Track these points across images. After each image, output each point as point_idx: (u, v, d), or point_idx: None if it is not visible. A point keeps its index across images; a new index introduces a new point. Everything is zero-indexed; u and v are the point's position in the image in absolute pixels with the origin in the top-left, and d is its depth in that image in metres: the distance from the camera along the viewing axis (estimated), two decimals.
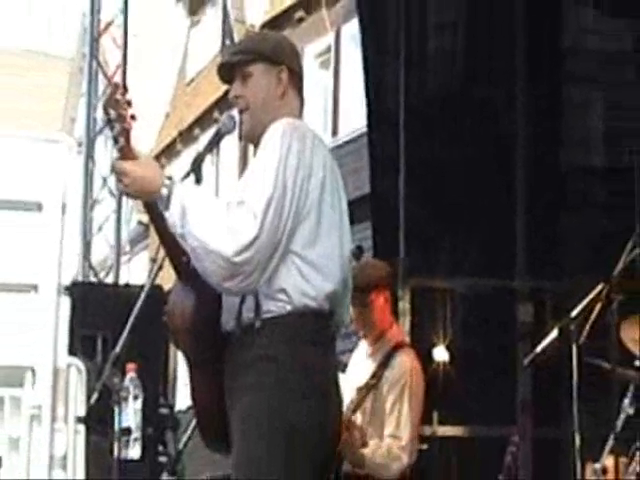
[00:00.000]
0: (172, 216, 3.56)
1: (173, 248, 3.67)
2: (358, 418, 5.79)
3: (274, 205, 3.54)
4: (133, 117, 3.69)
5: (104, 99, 3.74)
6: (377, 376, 5.80)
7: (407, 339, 6.56)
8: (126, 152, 3.65)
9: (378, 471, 5.71)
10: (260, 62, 3.87)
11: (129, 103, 3.69)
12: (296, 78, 3.94)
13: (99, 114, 9.59)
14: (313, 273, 3.61)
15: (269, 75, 3.87)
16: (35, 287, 5.67)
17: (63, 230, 5.78)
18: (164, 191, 3.59)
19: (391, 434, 5.75)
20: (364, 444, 5.70)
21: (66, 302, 5.48)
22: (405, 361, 5.89)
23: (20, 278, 5.72)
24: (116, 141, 3.68)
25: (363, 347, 6.12)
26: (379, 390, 5.77)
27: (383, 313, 6.01)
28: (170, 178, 3.65)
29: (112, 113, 3.65)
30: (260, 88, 3.87)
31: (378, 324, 5.98)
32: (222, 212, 3.54)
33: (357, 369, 6.02)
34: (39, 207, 5.84)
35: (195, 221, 3.51)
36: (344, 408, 5.67)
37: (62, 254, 5.80)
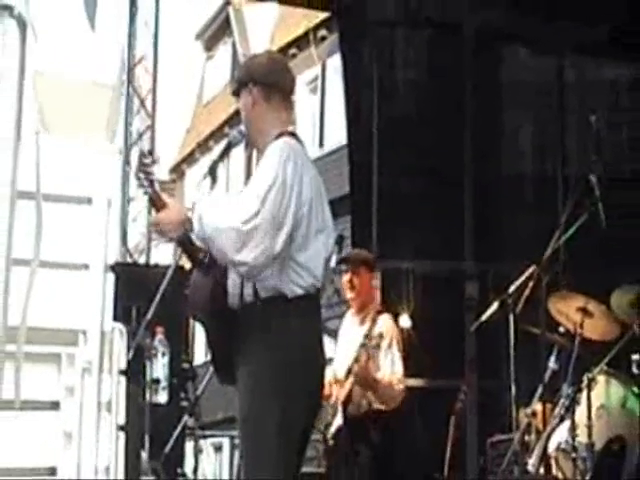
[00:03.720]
0: (195, 226, 3.53)
1: (192, 255, 3.67)
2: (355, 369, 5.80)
3: (274, 189, 3.50)
4: (154, 162, 3.67)
5: (135, 168, 3.70)
6: (368, 335, 5.81)
7: None
8: (156, 201, 3.64)
9: (386, 393, 5.73)
10: (241, 87, 3.84)
11: (153, 161, 3.68)
12: (272, 89, 3.80)
13: (134, 128, 9.54)
14: (303, 272, 3.58)
15: (245, 95, 3.81)
16: (86, 266, 5.67)
17: (108, 221, 5.78)
18: (192, 225, 3.56)
19: (390, 372, 5.78)
20: (375, 388, 5.75)
21: (111, 278, 5.45)
22: (388, 321, 5.92)
23: (74, 259, 5.72)
24: (146, 193, 3.66)
25: (350, 317, 6.12)
26: (371, 346, 5.77)
27: (369, 286, 6.02)
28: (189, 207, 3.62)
29: (141, 176, 3.64)
30: (243, 107, 3.83)
31: (364, 292, 5.99)
32: (229, 203, 3.54)
33: (349, 332, 6.04)
34: (89, 201, 5.84)
35: (209, 218, 3.49)
36: (347, 362, 5.73)
37: (107, 240, 5.79)
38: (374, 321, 5.83)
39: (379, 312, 5.95)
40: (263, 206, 3.46)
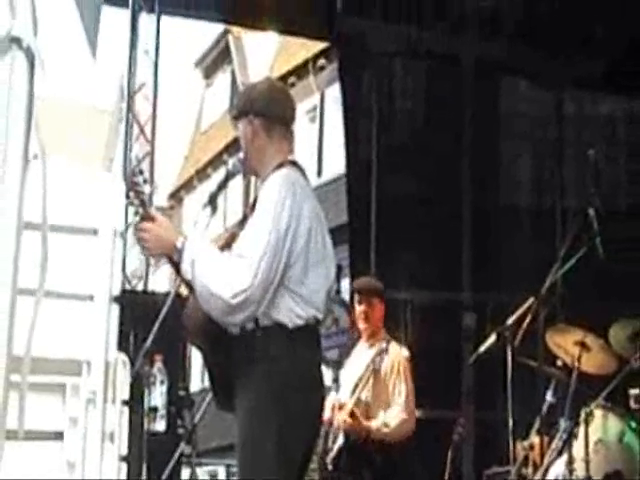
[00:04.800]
0: (184, 267, 3.52)
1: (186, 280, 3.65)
2: (363, 396, 5.82)
3: (267, 257, 3.47)
4: (145, 181, 3.66)
5: (126, 186, 3.69)
6: (377, 363, 5.83)
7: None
8: (145, 215, 3.63)
9: (382, 435, 5.74)
10: (240, 117, 3.81)
11: (145, 181, 3.67)
12: (273, 121, 3.78)
13: (134, 155, 9.55)
14: (304, 304, 3.57)
15: (245, 125, 3.78)
16: (91, 297, 5.65)
17: (114, 251, 5.76)
18: (179, 245, 3.55)
19: (399, 404, 5.79)
20: (368, 417, 5.75)
21: (115, 309, 5.46)
22: (398, 350, 5.95)
23: (79, 289, 5.70)
24: (137, 212, 3.65)
25: (360, 345, 6.16)
26: (380, 374, 5.79)
27: (380, 315, 6.06)
28: (182, 234, 3.60)
29: (131, 195, 3.62)
30: (243, 137, 3.80)
31: (376, 322, 6.03)
32: (224, 264, 3.50)
33: (357, 361, 6.06)
34: (95, 232, 5.83)
35: (201, 271, 3.47)
36: (348, 392, 5.74)
37: (113, 271, 5.78)
38: (384, 350, 5.88)
39: (389, 341, 5.99)
40: (255, 278, 3.45)
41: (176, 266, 3.60)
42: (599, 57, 9.15)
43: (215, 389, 3.75)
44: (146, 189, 3.64)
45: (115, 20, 10.02)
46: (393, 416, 5.81)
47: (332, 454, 5.79)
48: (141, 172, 3.71)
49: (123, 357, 5.40)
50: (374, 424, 5.79)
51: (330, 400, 5.88)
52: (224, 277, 3.46)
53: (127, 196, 3.63)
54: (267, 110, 3.78)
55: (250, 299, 3.45)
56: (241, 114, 3.82)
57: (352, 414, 5.75)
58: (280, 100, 3.89)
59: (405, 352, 6.03)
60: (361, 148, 9.59)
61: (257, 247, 3.49)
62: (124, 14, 9.45)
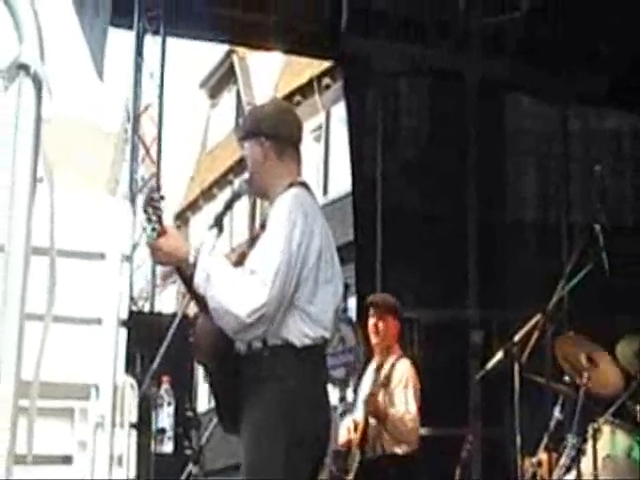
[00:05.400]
0: (198, 280, 3.53)
1: (198, 296, 3.66)
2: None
3: (281, 274, 3.49)
4: (162, 197, 3.66)
5: (143, 201, 3.69)
6: (387, 377, 5.86)
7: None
8: (159, 230, 3.64)
9: (397, 429, 5.75)
10: (249, 137, 3.80)
11: (162, 197, 3.67)
12: (286, 142, 3.78)
13: (139, 176, 9.59)
14: (312, 324, 3.58)
15: (254, 146, 3.77)
16: (99, 320, 5.65)
17: (122, 275, 5.78)
18: (191, 259, 3.56)
19: (403, 410, 5.80)
20: (385, 421, 5.77)
21: (124, 333, 5.47)
22: (406, 366, 5.97)
23: (87, 314, 5.70)
24: (154, 229, 3.65)
25: (372, 363, 6.18)
26: (389, 388, 5.83)
27: (393, 332, 6.07)
28: (195, 248, 3.62)
29: (150, 210, 3.63)
30: (251, 159, 3.79)
31: (389, 338, 6.04)
32: (238, 280, 3.51)
33: (369, 376, 6.09)
34: (102, 256, 5.85)
35: (216, 286, 3.48)
36: (362, 405, 5.77)
37: (121, 294, 5.78)
38: (393, 366, 5.90)
39: (399, 357, 6.01)
40: (270, 296, 3.46)
41: (186, 281, 3.62)
42: (602, 73, 9.18)
43: (221, 412, 3.76)
44: (163, 206, 3.65)
45: (121, 42, 10.09)
46: (408, 419, 5.82)
47: (352, 474, 5.81)
48: (158, 189, 3.71)
49: (131, 380, 5.40)
50: (393, 411, 5.80)
51: (345, 422, 5.92)
52: (239, 294, 3.47)
53: (145, 211, 3.64)
54: (278, 132, 3.79)
55: (265, 317, 3.47)
56: (250, 135, 3.82)
57: (372, 394, 5.79)
58: (289, 121, 3.91)
59: (412, 368, 6.05)
60: (366, 166, 9.62)
61: (270, 264, 3.50)
62: (129, 36, 9.52)
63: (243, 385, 3.62)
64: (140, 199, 9.38)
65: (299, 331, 3.57)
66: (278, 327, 3.54)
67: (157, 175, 9.37)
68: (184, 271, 3.61)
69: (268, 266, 3.49)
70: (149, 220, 3.61)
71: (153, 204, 3.61)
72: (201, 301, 3.64)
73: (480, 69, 9.62)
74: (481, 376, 5.68)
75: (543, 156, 10.01)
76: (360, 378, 6.23)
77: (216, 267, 3.54)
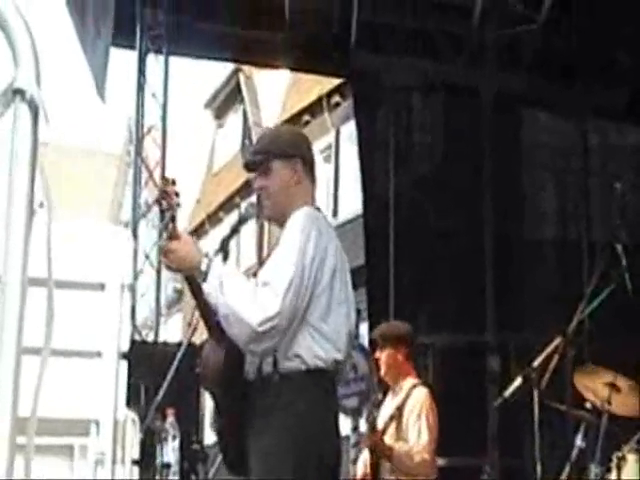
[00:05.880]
0: (209, 288, 3.55)
1: (206, 311, 3.67)
2: (386, 441, 5.83)
3: (294, 286, 3.52)
4: (179, 205, 3.69)
5: (157, 192, 3.70)
6: (399, 408, 5.85)
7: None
8: (173, 237, 3.65)
9: (402, 463, 5.73)
10: (278, 158, 3.82)
11: (177, 194, 3.69)
12: (309, 166, 3.86)
13: (142, 200, 9.62)
14: (325, 343, 3.59)
15: (286, 168, 3.80)
16: (99, 353, 5.64)
17: (122, 306, 5.77)
18: (203, 267, 3.59)
19: (421, 444, 5.78)
20: (390, 457, 5.75)
21: (124, 366, 5.48)
22: (421, 395, 5.95)
23: (86, 346, 5.69)
24: (166, 226, 3.67)
25: (389, 393, 6.18)
26: (402, 418, 5.80)
27: (396, 361, 6.05)
28: (207, 255, 3.65)
29: (164, 204, 3.65)
30: (279, 180, 3.80)
31: (394, 367, 6.03)
32: (251, 290, 3.53)
33: (383, 412, 6.07)
34: (102, 287, 5.87)
35: (229, 294, 3.51)
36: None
37: (121, 326, 5.77)
38: (408, 395, 5.88)
39: (415, 386, 5.99)
40: (282, 307, 3.49)
41: (195, 292, 3.64)
42: (621, 86, 9.20)
43: (226, 444, 3.77)
44: (177, 202, 3.66)
45: (123, 62, 10.15)
46: (416, 452, 5.79)
47: None
48: (173, 182, 3.72)
49: (133, 415, 5.41)
50: (398, 446, 5.78)
51: (363, 456, 5.91)
52: (251, 303, 3.49)
53: (159, 203, 3.65)
54: (307, 155, 3.89)
55: (277, 328, 3.49)
56: (281, 156, 3.83)
57: (374, 429, 5.76)
58: (310, 146, 4.02)
59: (429, 397, 6.02)
60: (378, 186, 9.64)
61: (283, 276, 3.53)
62: (132, 56, 9.58)
63: (251, 412, 3.64)
64: (143, 225, 9.42)
65: (311, 350, 3.59)
66: (289, 345, 3.56)
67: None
68: (194, 281, 3.63)
69: (281, 278, 3.52)
70: (162, 215, 3.62)
71: (168, 200, 3.63)
72: (209, 320, 3.66)
73: (495, 83, 9.64)
74: (499, 403, 5.67)
75: (561, 171, 10.02)
76: (376, 407, 6.21)
77: (228, 275, 3.57)
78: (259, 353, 3.58)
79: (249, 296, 3.51)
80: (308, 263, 3.57)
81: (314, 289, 3.58)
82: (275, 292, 3.50)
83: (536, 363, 5.38)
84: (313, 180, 3.90)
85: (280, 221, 3.80)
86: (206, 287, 3.56)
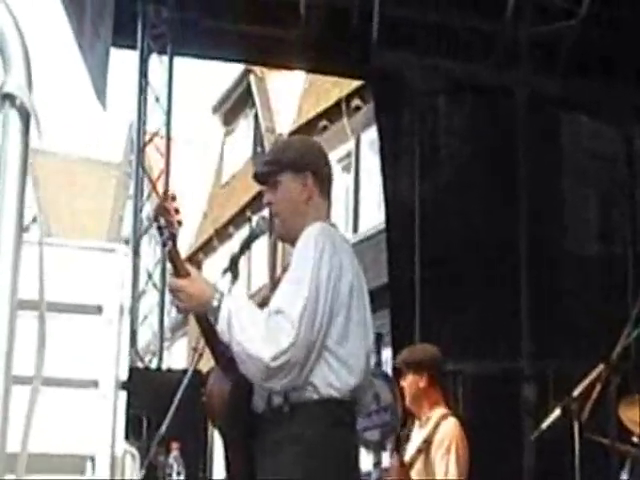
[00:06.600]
0: (220, 326, 3.57)
1: (213, 342, 3.68)
2: (412, 476, 5.85)
3: (308, 312, 3.51)
4: (180, 223, 3.69)
5: (155, 208, 3.70)
6: (427, 441, 5.85)
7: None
8: (176, 261, 3.65)
9: None
10: (286, 171, 3.81)
11: (177, 210, 3.69)
12: (323, 181, 3.83)
13: (145, 214, 9.64)
14: (341, 368, 3.58)
15: (295, 182, 3.79)
16: (95, 383, 5.62)
17: (120, 330, 5.78)
18: (215, 303, 3.59)
19: (441, 475, 5.78)
20: None
21: (123, 396, 5.49)
22: (450, 427, 5.95)
23: (81, 375, 5.68)
24: (164, 245, 3.67)
25: (416, 425, 6.18)
26: (429, 452, 5.81)
27: (418, 389, 6.04)
28: (218, 290, 3.64)
29: (162, 220, 3.65)
30: (288, 195, 3.80)
31: (418, 396, 6.03)
32: (262, 322, 3.53)
33: (410, 447, 6.08)
34: (99, 310, 5.87)
35: (238, 330, 3.50)
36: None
37: (120, 352, 5.78)
38: (437, 426, 5.88)
39: (444, 416, 5.98)
40: (297, 337, 3.48)
41: (205, 329, 3.65)
42: None
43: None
44: (178, 219, 3.67)
45: (123, 63, 10.20)
46: None
47: None
48: (174, 198, 3.72)
49: (132, 449, 5.42)
50: None
51: None
52: (262, 336, 3.49)
53: (156, 219, 3.65)
54: (321, 169, 3.86)
55: (292, 361, 3.48)
56: (290, 168, 3.83)
57: (401, 465, 5.77)
58: (327, 160, 3.98)
59: (459, 428, 6.01)
60: (402, 198, 9.64)
61: (297, 302, 3.52)
62: (133, 56, 9.61)
63: (260, 448, 3.64)
64: (145, 241, 9.45)
65: (325, 377, 3.58)
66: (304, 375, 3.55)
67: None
68: (204, 318, 3.64)
69: (294, 303, 3.52)
70: (161, 235, 3.62)
71: (167, 217, 3.64)
72: (215, 348, 3.67)
73: (530, 84, 9.64)
74: (536, 436, 5.66)
75: (605, 181, 10.00)
76: (399, 440, 6.21)
77: (240, 311, 3.57)
78: (279, 390, 3.57)
79: (260, 330, 3.51)
80: (324, 280, 3.56)
81: (331, 312, 3.58)
82: (289, 321, 3.49)
83: (576, 392, 5.37)
84: (328, 197, 3.88)
85: (291, 240, 3.78)
86: (218, 325, 3.57)
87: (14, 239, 1.54)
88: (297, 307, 3.51)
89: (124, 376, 5.62)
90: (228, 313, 3.55)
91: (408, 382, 6.06)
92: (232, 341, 3.54)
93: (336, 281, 3.59)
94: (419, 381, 6.05)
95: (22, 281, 1.48)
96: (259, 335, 3.51)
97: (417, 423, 6.13)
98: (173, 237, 3.65)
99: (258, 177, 3.95)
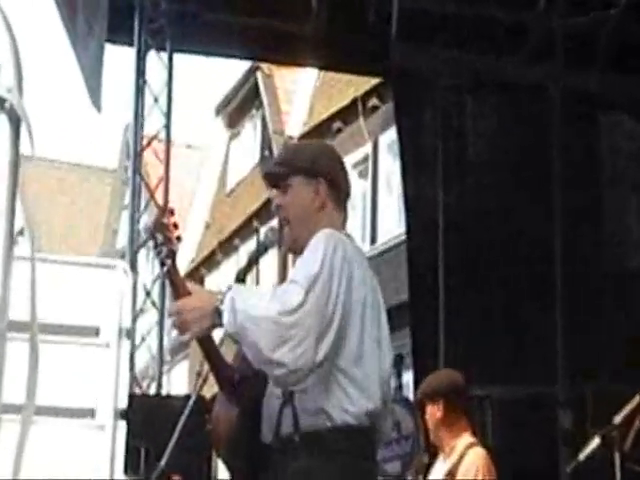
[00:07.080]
0: (227, 318, 3.49)
1: (218, 366, 3.69)
2: None
3: (321, 282, 3.46)
4: (179, 239, 3.70)
5: (151, 223, 3.70)
6: (451, 473, 5.87)
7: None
8: (175, 281, 3.65)
9: None
10: (298, 175, 3.83)
11: (175, 226, 3.70)
12: (337, 189, 3.84)
13: (142, 226, 9.64)
14: (356, 392, 3.56)
15: (307, 187, 3.82)
16: (92, 412, 5.65)
17: (119, 354, 5.79)
18: (218, 304, 3.54)
19: None
20: None
21: (122, 425, 5.50)
22: (475, 458, 5.97)
23: (77, 403, 5.70)
24: (162, 264, 3.67)
25: (440, 456, 6.21)
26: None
27: (436, 420, 6.06)
28: (222, 292, 3.61)
29: (159, 237, 3.66)
30: (298, 200, 3.82)
31: (439, 426, 6.05)
32: (268, 291, 3.52)
33: (435, 471, 6.11)
34: (96, 332, 5.88)
35: (243, 303, 3.44)
36: None
37: (119, 378, 5.79)
38: (461, 456, 5.90)
39: (470, 445, 6.00)
40: (307, 298, 3.43)
41: (207, 349, 3.66)
42: None
43: None
44: (177, 235, 3.67)
45: (118, 60, 10.24)
46: None
47: None
48: (172, 212, 3.73)
49: None
50: None
51: None
52: (270, 301, 3.45)
53: (152, 236, 3.65)
54: (337, 176, 3.88)
55: (302, 323, 3.40)
56: (301, 172, 3.85)
57: None
58: (345, 169, 4.00)
59: (486, 459, 6.03)
60: (425, 204, 9.65)
61: (309, 271, 3.49)
62: (129, 53, 9.64)
63: None
64: (142, 255, 9.45)
65: (338, 403, 3.56)
66: (312, 396, 3.53)
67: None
68: (207, 339, 3.64)
69: (305, 273, 3.48)
70: (158, 254, 3.63)
71: (166, 233, 3.65)
72: (220, 372, 3.68)
73: (563, 81, 9.65)
74: (573, 467, 5.67)
75: None
76: (420, 473, 6.25)
77: (241, 291, 3.53)
78: (284, 375, 3.49)
79: (267, 295, 3.48)
80: (337, 273, 3.54)
81: (341, 321, 3.55)
82: (299, 284, 3.45)
83: (618, 419, 5.37)
84: (344, 209, 3.89)
85: (299, 249, 3.75)
86: (224, 319, 3.50)
87: (4, 255, 1.55)
88: (309, 276, 3.46)
89: (123, 404, 5.62)
90: (231, 301, 3.49)
91: (428, 414, 6.11)
92: (238, 316, 3.45)
93: (347, 289, 3.55)
94: (436, 411, 6.09)
95: (12, 300, 1.49)
96: (266, 300, 3.47)
97: (441, 455, 6.15)
98: (172, 255, 3.65)
99: (267, 177, 3.96)
